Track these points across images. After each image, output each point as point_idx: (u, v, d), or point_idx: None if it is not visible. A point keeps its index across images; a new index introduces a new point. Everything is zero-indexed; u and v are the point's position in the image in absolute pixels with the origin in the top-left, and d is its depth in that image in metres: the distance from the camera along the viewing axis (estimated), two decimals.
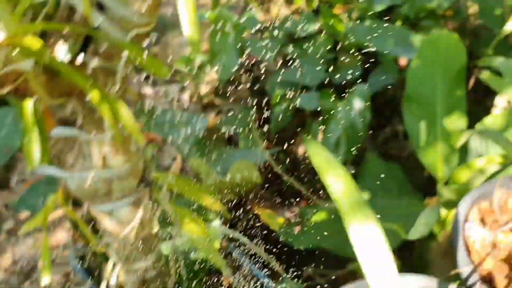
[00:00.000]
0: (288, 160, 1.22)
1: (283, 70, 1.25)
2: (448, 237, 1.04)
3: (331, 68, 1.23)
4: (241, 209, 1.11)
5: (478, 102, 1.30)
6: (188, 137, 1.03)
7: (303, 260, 1.05)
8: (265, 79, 1.31)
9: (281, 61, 1.32)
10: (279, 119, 1.21)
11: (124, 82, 0.53)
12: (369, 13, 1.29)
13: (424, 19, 1.33)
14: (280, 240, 1.02)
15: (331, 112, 1.12)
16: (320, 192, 1.11)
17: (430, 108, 1.07)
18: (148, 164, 0.68)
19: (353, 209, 0.52)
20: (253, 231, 0.97)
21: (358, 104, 1.09)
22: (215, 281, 0.98)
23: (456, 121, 1.05)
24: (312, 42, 1.27)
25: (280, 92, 1.21)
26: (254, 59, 1.33)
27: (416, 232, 0.99)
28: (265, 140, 1.22)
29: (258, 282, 0.97)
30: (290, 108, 1.20)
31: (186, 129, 1.03)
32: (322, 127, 1.13)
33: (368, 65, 1.26)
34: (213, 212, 0.94)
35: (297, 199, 1.17)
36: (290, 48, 1.28)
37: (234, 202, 0.98)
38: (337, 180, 0.53)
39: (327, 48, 1.26)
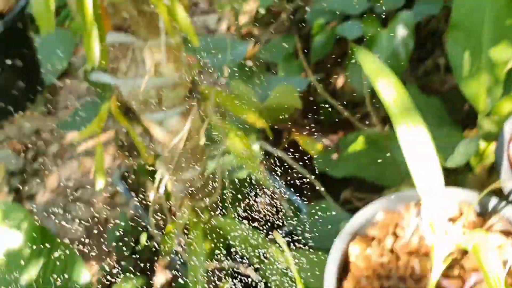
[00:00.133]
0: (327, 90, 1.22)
1: None
2: (486, 170, 1.04)
3: None
4: (280, 135, 1.13)
5: None
6: (229, 62, 1.03)
7: (338, 187, 1.07)
8: (306, 7, 1.29)
9: None
10: (319, 49, 1.20)
11: None
12: None
13: None
14: (316, 168, 1.04)
15: (374, 41, 1.10)
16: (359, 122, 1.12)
17: (476, 37, 1.04)
18: (196, 77, 0.70)
19: (402, 114, 0.53)
20: (292, 156, 0.99)
21: (401, 31, 1.07)
22: (255, 197, 1.02)
23: (502, 51, 1.03)
24: None
25: (321, 21, 1.20)
26: None
27: (454, 161, 0.99)
28: (304, 71, 1.22)
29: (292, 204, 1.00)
30: (331, 37, 1.18)
31: (226, 54, 1.04)
32: None
33: None
34: (255, 132, 0.96)
35: (336, 128, 1.18)
36: None
37: (273, 127, 0.99)
38: (388, 86, 0.54)
39: None
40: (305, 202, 1.01)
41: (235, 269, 0.75)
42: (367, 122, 1.14)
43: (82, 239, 1.21)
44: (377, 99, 1.21)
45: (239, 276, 0.77)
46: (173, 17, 0.52)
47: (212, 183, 0.79)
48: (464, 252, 0.61)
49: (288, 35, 1.29)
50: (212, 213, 0.79)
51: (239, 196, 0.92)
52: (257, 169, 0.81)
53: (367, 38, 1.13)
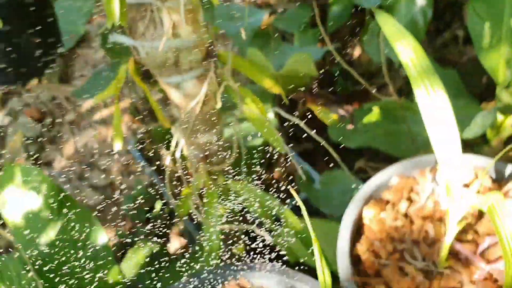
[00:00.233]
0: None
1: None
2: (503, 143, 1.03)
3: None
4: (295, 105, 1.13)
5: None
6: (246, 29, 1.03)
7: (352, 157, 1.07)
8: None
9: None
10: (336, 19, 1.18)
11: None
12: None
13: None
14: (330, 138, 1.04)
15: (392, 9, 1.08)
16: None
17: (498, 7, 1.02)
18: (213, 40, 0.70)
19: (421, 76, 0.52)
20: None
21: (420, 0, 1.06)
22: (269, 164, 1.02)
23: None
24: None
25: None
26: None
27: (471, 132, 0.98)
28: (320, 41, 1.21)
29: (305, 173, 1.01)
30: (348, 6, 1.17)
31: (243, 22, 1.03)
32: None
33: None
34: (270, 99, 0.96)
35: (351, 99, 1.18)
36: None
37: (288, 97, 0.99)
38: (407, 48, 0.54)
39: None
40: (318, 172, 1.01)
41: (249, 231, 0.76)
42: (383, 94, 1.13)
43: (98, 206, 1.23)
44: (393, 70, 1.20)
45: (253, 238, 0.78)
46: None
47: (228, 149, 0.79)
48: (478, 218, 0.62)
49: (304, 4, 1.27)
50: (227, 177, 0.80)
51: (254, 162, 0.92)
52: (272, 135, 0.81)
53: (385, 6, 1.11)
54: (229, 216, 0.77)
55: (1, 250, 1.16)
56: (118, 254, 0.98)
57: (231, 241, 0.82)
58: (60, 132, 1.41)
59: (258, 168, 0.92)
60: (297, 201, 0.90)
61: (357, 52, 1.28)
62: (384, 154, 1.03)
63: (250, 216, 0.76)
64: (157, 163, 1.08)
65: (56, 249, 0.78)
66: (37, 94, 1.47)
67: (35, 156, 1.35)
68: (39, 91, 1.46)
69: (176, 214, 0.90)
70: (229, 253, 0.79)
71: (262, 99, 0.82)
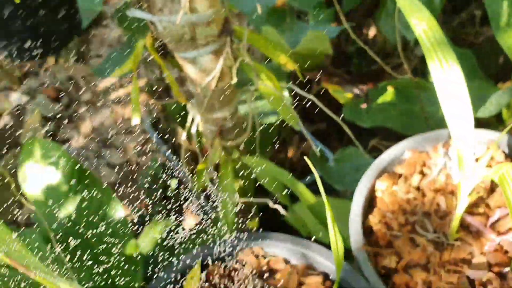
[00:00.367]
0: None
1: None
2: None
3: None
4: (310, 83, 1.14)
5: None
6: (261, 6, 1.03)
7: (365, 136, 1.07)
8: None
9: None
10: None
11: None
12: None
13: None
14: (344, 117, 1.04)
15: None
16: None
17: None
18: (229, 15, 0.71)
19: (435, 48, 0.53)
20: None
21: None
22: (284, 141, 1.03)
23: None
24: None
25: None
26: None
27: (486, 110, 0.98)
28: (335, 20, 1.20)
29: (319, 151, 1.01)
30: None
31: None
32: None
33: None
34: (285, 76, 0.97)
35: (365, 79, 1.18)
36: None
37: (303, 75, 1.00)
38: (421, 21, 0.54)
39: None
40: (331, 151, 1.02)
41: (263, 205, 0.77)
42: (399, 73, 1.13)
43: (114, 184, 1.26)
44: (409, 49, 1.20)
45: (267, 212, 0.79)
46: None
47: (243, 125, 0.80)
48: (490, 192, 0.62)
49: None
50: (242, 152, 0.81)
51: (269, 138, 0.93)
52: (288, 112, 0.82)
53: None
54: (243, 190, 0.79)
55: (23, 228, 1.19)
56: (134, 231, 1.00)
57: (245, 214, 0.83)
58: (76, 111, 1.43)
59: (273, 144, 0.93)
60: (311, 178, 0.91)
61: (372, 32, 1.27)
62: (398, 134, 1.03)
63: (264, 191, 0.78)
64: (173, 141, 1.10)
65: (75, 222, 0.80)
66: (54, 73, 1.49)
67: (52, 134, 1.38)
68: (56, 70, 1.48)
69: (191, 191, 0.92)
70: (243, 226, 0.81)
71: (277, 76, 0.83)
